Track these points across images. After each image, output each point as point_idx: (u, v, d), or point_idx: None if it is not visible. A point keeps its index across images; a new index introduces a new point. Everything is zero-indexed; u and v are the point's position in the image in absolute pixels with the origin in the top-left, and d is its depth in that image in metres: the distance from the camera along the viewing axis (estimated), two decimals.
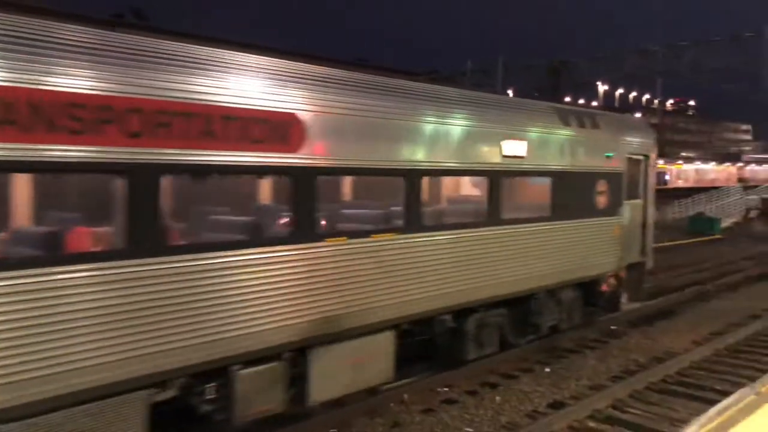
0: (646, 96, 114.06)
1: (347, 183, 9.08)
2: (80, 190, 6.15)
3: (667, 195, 49.62)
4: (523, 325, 10.34)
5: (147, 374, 5.62)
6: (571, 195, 10.62)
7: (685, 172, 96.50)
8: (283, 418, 7.21)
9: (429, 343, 9.25)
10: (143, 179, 5.52)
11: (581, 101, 65.81)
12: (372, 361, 7.72)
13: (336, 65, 8.28)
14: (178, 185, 6.48)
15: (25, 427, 4.95)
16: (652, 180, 13.09)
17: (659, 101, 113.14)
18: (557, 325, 10.95)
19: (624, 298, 12.57)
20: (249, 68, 6.51)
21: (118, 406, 5.49)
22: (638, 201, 12.64)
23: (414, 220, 8.01)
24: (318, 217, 6.96)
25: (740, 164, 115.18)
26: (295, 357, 6.92)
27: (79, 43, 5.33)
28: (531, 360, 10.46)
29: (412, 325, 8.45)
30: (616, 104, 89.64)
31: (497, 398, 8.85)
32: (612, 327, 12.62)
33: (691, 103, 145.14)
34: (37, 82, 4.92)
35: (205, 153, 5.91)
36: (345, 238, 7.23)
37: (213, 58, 6.26)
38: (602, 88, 75.14)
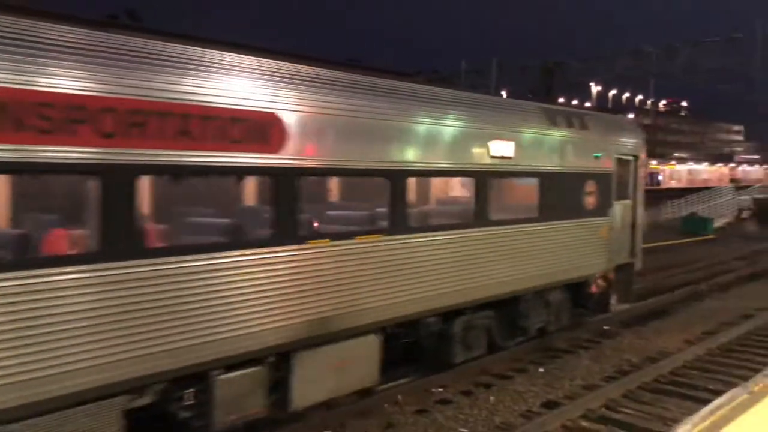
0: (640, 97, 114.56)
1: (331, 184, 8.97)
2: (54, 191, 6.03)
3: (660, 195, 49.82)
4: (511, 327, 10.27)
5: (123, 380, 5.48)
6: (560, 196, 10.58)
7: (678, 172, 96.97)
8: (277, 420, 7.19)
9: (415, 347, 9.15)
10: (117, 180, 5.38)
11: (575, 102, 65.96)
12: (357, 364, 7.62)
13: (328, 65, 8.19)
14: (155, 186, 6.41)
15: None
16: (641, 180, 13.04)
17: (652, 102, 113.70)
18: (545, 327, 10.88)
19: (613, 300, 12.51)
20: (227, 67, 6.38)
21: (93, 413, 5.36)
22: (627, 201, 12.59)
23: (399, 222, 7.91)
24: (300, 218, 6.84)
25: (732, 165, 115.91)
26: (277, 361, 6.80)
27: (48, 41, 5.21)
28: (525, 360, 10.47)
29: (398, 327, 8.35)
30: (610, 105, 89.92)
31: (491, 398, 8.85)
32: (605, 327, 12.65)
33: (684, 104, 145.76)
34: (4, 80, 4.80)
35: (181, 153, 5.79)
36: (328, 240, 7.14)
37: (189, 57, 6.14)
38: (596, 89, 75.34)
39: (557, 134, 10.58)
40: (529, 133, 9.99)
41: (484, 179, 9.07)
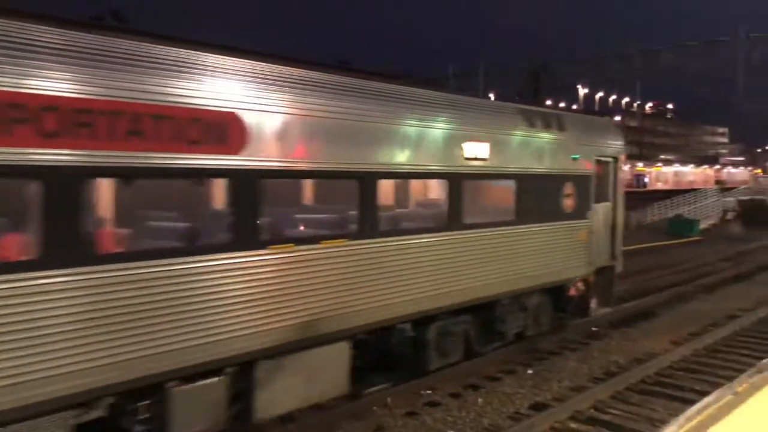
0: (626, 99, 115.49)
1: (296, 186, 8.67)
2: None
3: (647, 197, 50.22)
4: (488, 332, 10.08)
5: (70, 394, 5.20)
6: (537, 198, 10.38)
7: (664, 174, 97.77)
8: (267, 423, 7.16)
9: (389, 354, 8.92)
10: (61, 183, 5.08)
11: (562, 104, 66.37)
12: (324, 373, 7.36)
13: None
14: (104, 190, 6.14)
15: None
16: (621, 182, 12.84)
17: (638, 104, 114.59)
18: (524, 331, 10.72)
19: (593, 303, 12.31)
20: (184, 64, 6.12)
21: (39, 429, 5.11)
22: (607, 204, 12.40)
23: (369, 226, 7.68)
24: (261, 223, 6.57)
25: (717, 167, 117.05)
26: (238, 371, 6.53)
27: None
28: (513, 362, 10.50)
29: (369, 334, 8.13)
30: (597, 107, 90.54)
31: (480, 400, 8.87)
32: (593, 328, 12.71)
33: (670, 106, 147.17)
34: None
35: (133, 155, 5.50)
36: (292, 244, 6.88)
37: (142, 54, 5.87)
38: (583, 91, 75.86)
39: (534, 135, 10.39)
40: (505, 134, 9.79)
41: (458, 181, 8.87)
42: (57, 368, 5.13)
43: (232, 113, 6.27)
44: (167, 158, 5.76)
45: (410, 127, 8.29)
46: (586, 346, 11.68)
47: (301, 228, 7.78)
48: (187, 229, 6.44)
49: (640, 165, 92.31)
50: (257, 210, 6.52)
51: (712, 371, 10.21)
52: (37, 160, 4.97)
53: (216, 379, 6.31)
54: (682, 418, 5.48)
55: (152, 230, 6.53)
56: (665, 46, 43.48)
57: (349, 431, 7.81)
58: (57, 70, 5.13)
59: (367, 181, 7.67)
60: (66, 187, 5.13)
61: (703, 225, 35.32)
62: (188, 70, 6.11)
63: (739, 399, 5.94)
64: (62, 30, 5.60)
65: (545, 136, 10.62)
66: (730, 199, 43.10)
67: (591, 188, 11.73)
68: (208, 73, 6.27)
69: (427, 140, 8.51)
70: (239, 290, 6.36)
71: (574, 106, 71.12)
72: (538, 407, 8.66)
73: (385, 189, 8.54)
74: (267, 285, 6.60)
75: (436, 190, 9.60)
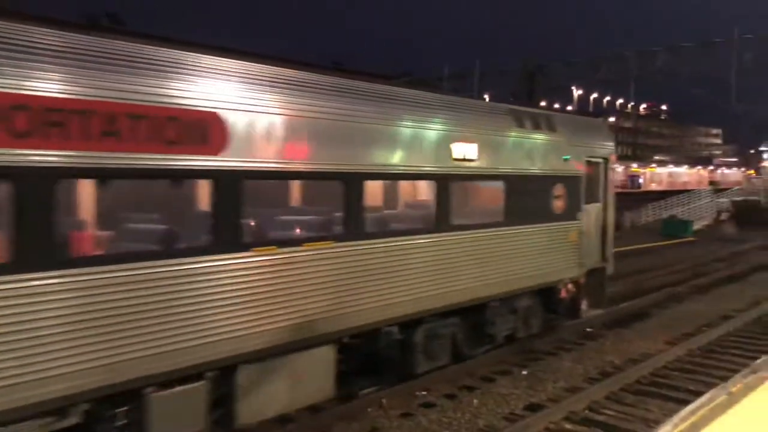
0: (620, 100, 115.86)
1: (280, 188, 8.46)
2: None
3: (641, 198, 50.40)
4: (478, 334, 9.96)
5: (41, 401, 5.06)
6: (527, 199, 10.27)
7: (658, 175, 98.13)
8: (259, 426, 7.14)
9: (375, 357, 8.80)
10: (33, 184, 4.95)
11: (556, 105, 66.52)
12: (309, 377, 7.24)
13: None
14: (80, 191, 6.02)
15: None
16: (611, 183, 12.76)
17: (632, 106, 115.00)
18: (514, 333, 10.61)
19: (584, 305, 12.20)
20: (159, 63, 5.96)
21: None
22: (598, 204, 12.29)
23: (354, 227, 7.56)
24: (243, 224, 6.45)
25: (711, 168, 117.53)
26: (219, 376, 6.40)
27: None
28: (508, 362, 10.51)
29: (355, 338, 8.03)
30: (591, 108, 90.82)
31: (475, 401, 8.87)
32: (588, 329, 12.74)
33: (664, 107, 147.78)
34: None
35: (109, 155, 5.36)
36: (275, 247, 6.75)
37: (115, 52, 5.70)
38: (577, 92, 76.07)
39: (524, 136, 10.28)
40: (493, 135, 9.69)
41: (446, 182, 8.77)
42: (26, 375, 4.98)
43: (213, 113, 6.16)
44: (144, 159, 5.63)
45: (397, 128, 8.20)
46: (581, 347, 11.70)
47: (285, 230, 7.64)
48: (165, 232, 6.29)
49: (634, 166, 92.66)
50: (239, 212, 6.40)
51: (706, 371, 10.24)
52: (8, 160, 4.86)
53: (196, 384, 6.16)
54: (676, 418, 5.49)
55: (130, 233, 6.38)
56: (660, 48, 43.68)
57: None
58: (27, 69, 5.01)
59: (352, 182, 7.56)
60: (37, 189, 5.01)
61: (697, 226, 35.46)
62: (165, 68, 5.97)
63: (733, 399, 5.96)
64: (31, 27, 5.48)
65: (535, 137, 10.52)
66: (724, 200, 43.29)
67: (581, 189, 11.64)
68: (187, 71, 6.13)
69: (415, 141, 8.42)
70: (220, 293, 6.23)
71: (569, 107, 71.31)
72: (533, 408, 8.66)
73: (372, 190, 8.45)
74: (249, 288, 6.48)
75: (423, 191, 9.45)
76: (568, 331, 12.27)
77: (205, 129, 6.08)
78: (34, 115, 4.98)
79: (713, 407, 5.72)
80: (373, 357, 8.83)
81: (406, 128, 8.31)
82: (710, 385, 8.29)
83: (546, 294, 11.21)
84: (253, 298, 6.51)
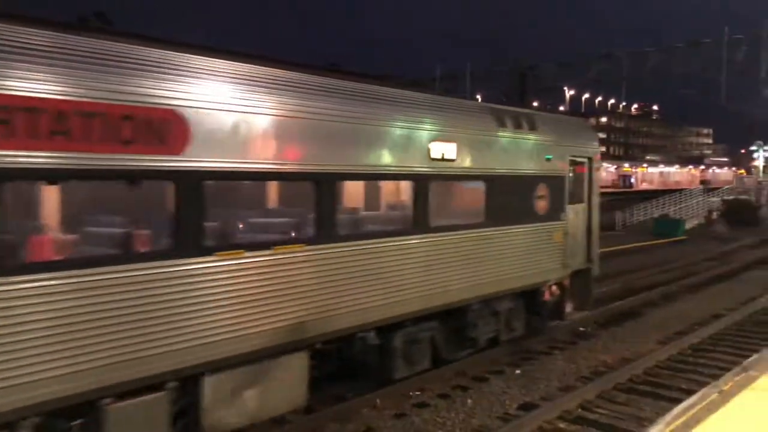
0: (612, 101, 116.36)
1: (249, 189, 8.12)
2: None
3: (633, 198, 50.64)
4: (459, 338, 9.73)
5: None
6: (508, 200, 10.05)
7: (649, 174, 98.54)
8: (253, 427, 7.13)
9: (351, 362, 8.70)
10: None
11: (548, 106, 66.71)
12: (281, 385, 6.98)
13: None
14: (26, 193, 5.74)
15: None
16: (596, 183, 12.56)
17: (624, 106, 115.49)
18: (497, 337, 10.40)
19: (569, 307, 12.00)
20: (114, 58, 5.66)
21: None
22: (582, 205, 12.12)
23: (327, 230, 7.29)
24: (206, 228, 6.16)
25: (702, 167, 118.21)
26: (182, 385, 6.12)
27: None
28: (502, 362, 10.54)
29: (329, 343, 7.86)
30: (583, 108, 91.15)
31: (469, 401, 8.89)
32: (581, 328, 12.79)
33: (655, 107, 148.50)
34: None
35: (58, 155, 5.10)
36: (242, 251, 6.48)
37: (64, 47, 5.41)
38: (569, 92, 76.33)
39: (505, 135, 10.06)
40: (473, 134, 9.44)
41: (424, 183, 8.53)
42: None
43: (172, 110, 5.87)
44: (97, 159, 5.36)
45: (373, 127, 7.96)
46: (574, 346, 11.74)
47: (254, 233, 7.40)
48: (121, 236, 5.96)
49: (626, 165, 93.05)
50: (201, 214, 6.12)
51: (698, 370, 10.30)
52: None
53: (156, 394, 5.88)
54: (668, 416, 5.54)
55: (84, 237, 6.12)
56: (652, 48, 43.91)
57: None
58: None
59: (324, 183, 7.30)
60: None
61: (688, 225, 35.65)
62: (120, 64, 5.68)
63: (724, 397, 6.01)
64: None
65: (516, 136, 10.30)
66: (715, 199, 43.53)
67: (565, 189, 11.45)
68: (144, 67, 5.84)
69: (391, 140, 8.19)
70: (181, 300, 5.95)
71: (561, 108, 71.57)
72: (526, 407, 8.69)
73: (346, 191, 8.32)
74: (213, 294, 6.20)
75: (401, 192, 9.20)
76: (561, 331, 12.30)
77: (163, 128, 5.81)
78: None
79: (705, 405, 5.77)
80: (349, 362, 8.70)
81: (382, 127, 8.08)
82: (702, 384, 8.36)
83: (530, 296, 11.00)
84: (218, 304, 6.25)
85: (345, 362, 8.82)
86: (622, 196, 56.52)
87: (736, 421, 5.47)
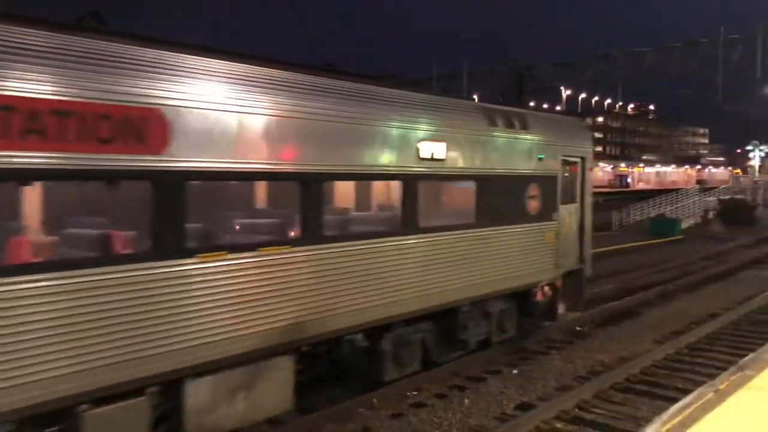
0: (608, 100, 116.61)
1: (233, 190, 7.99)
2: None
3: (629, 197, 50.74)
4: (449, 340, 9.64)
5: None
6: (499, 200, 9.92)
7: (646, 174, 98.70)
8: (249, 427, 7.13)
9: (339, 365, 8.63)
10: None
11: (545, 105, 66.83)
12: (266, 389, 6.85)
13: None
14: (3, 194, 5.55)
15: None
16: (589, 183, 12.44)
17: (620, 105, 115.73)
18: (488, 338, 10.32)
19: (561, 308, 11.91)
20: (90, 56, 5.52)
21: None
22: (575, 205, 12.03)
23: (313, 231, 7.16)
24: (187, 229, 6.02)
25: (698, 167, 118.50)
26: (163, 390, 6.01)
27: None
28: (499, 362, 10.55)
29: (316, 346, 7.78)
30: (579, 108, 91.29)
31: (466, 401, 8.90)
32: (578, 328, 12.81)
33: (652, 107, 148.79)
34: None
35: (32, 155, 4.97)
36: (225, 252, 6.35)
37: (38, 44, 5.26)
38: (566, 92, 76.43)
39: (496, 135, 9.95)
40: (464, 134, 9.31)
41: (413, 183, 8.41)
42: None
43: (151, 109, 5.74)
44: (73, 159, 5.22)
45: (360, 126, 7.82)
46: (570, 346, 11.76)
47: (237, 234, 7.31)
48: (100, 238, 5.81)
49: (622, 165, 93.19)
50: (182, 215, 5.97)
51: (694, 369, 10.32)
52: None
53: (135, 400, 5.75)
54: (665, 415, 5.55)
55: (59, 239, 6.00)
56: (648, 48, 44.00)
57: None
58: None
59: (310, 183, 7.16)
60: None
61: (684, 224, 35.73)
62: (96, 62, 5.54)
63: (720, 397, 6.02)
64: None
65: (508, 136, 10.18)
66: (711, 199, 43.64)
67: (557, 189, 11.35)
68: (122, 65, 5.70)
69: (379, 139, 8.06)
70: (160, 303, 5.82)
71: (558, 107, 71.67)
72: (523, 407, 8.70)
73: (334, 192, 8.19)
74: (195, 297, 6.07)
75: (390, 192, 9.07)
76: (558, 331, 12.31)
77: (142, 127, 5.67)
78: None
79: (701, 404, 5.78)
80: (337, 365, 8.63)
81: (370, 126, 7.95)
82: (699, 383, 8.37)
83: (521, 297, 10.90)
84: (201, 306, 6.13)
85: (334, 365, 8.74)
86: (619, 196, 56.67)
87: (731, 420, 5.49)
